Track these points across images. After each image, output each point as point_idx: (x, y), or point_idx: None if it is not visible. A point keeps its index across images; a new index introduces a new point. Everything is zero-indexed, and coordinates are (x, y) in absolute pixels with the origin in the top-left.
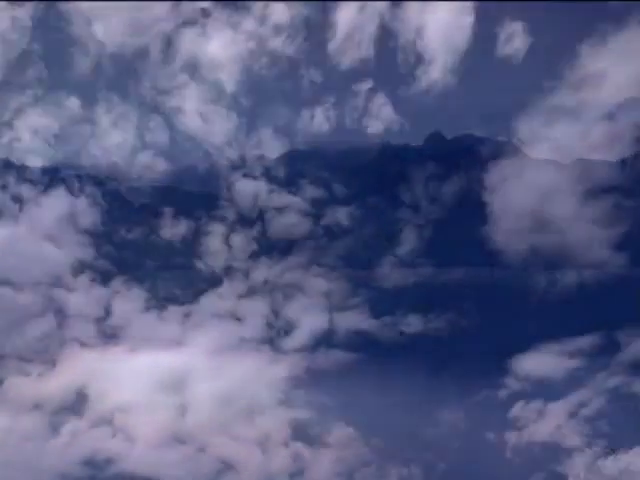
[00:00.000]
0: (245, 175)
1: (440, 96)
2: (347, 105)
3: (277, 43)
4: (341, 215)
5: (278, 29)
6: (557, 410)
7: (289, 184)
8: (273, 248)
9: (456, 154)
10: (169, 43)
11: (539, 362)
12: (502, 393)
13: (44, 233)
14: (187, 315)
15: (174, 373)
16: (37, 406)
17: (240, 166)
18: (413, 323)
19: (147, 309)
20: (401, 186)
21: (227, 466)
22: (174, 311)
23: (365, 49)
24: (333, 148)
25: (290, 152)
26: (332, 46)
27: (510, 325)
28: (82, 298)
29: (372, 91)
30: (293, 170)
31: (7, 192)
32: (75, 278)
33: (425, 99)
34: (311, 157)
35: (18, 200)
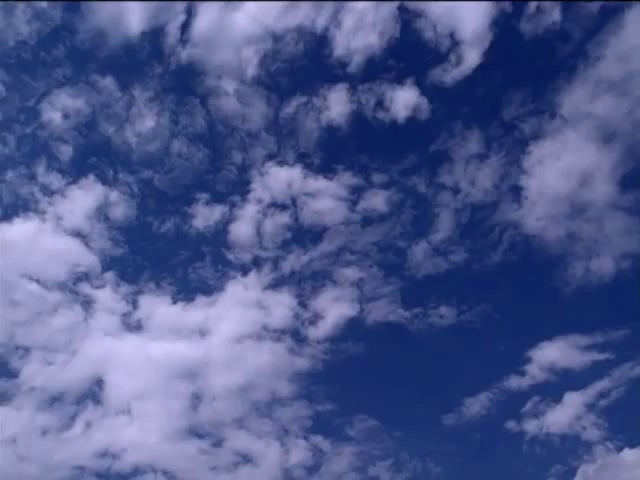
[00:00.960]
0: (280, 161)
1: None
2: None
3: None
4: (378, 200)
5: None
6: (579, 400)
7: (324, 169)
8: (305, 236)
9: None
10: None
11: (567, 353)
12: (526, 382)
13: (73, 226)
14: (213, 305)
15: (194, 364)
16: (56, 396)
17: (275, 151)
18: (444, 314)
19: (174, 300)
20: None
21: (245, 459)
22: (201, 301)
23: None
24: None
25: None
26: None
27: (541, 314)
28: (109, 291)
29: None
30: (329, 154)
31: (35, 182)
32: (104, 272)
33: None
34: (348, 140)
35: (46, 191)
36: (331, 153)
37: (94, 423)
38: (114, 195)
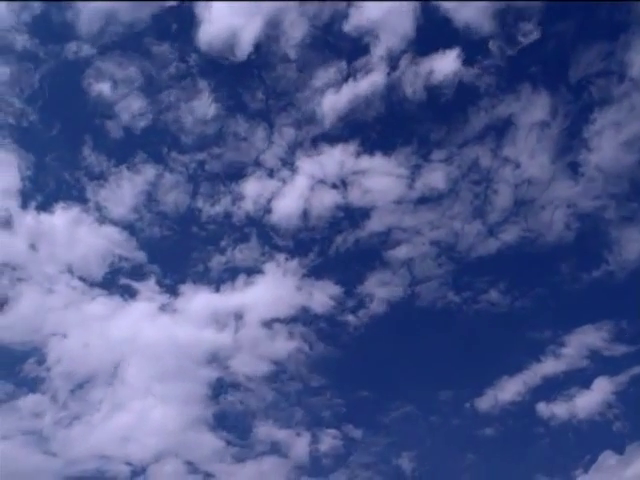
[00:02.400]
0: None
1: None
2: None
3: None
4: (436, 177)
5: None
6: (609, 387)
7: (381, 145)
8: (355, 215)
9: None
10: None
11: (607, 338)
12: (560, 367)
13: (120, 215)
14: (253, 289)
15: (223, 350)
16: (83, 382)
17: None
18: (494, 298)
19: (214, 285)
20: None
21: (272, 448)
22: (240, 286)
23: None
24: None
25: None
26: None
27: (587, 298)
28: (152, 282)
29: None
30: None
31: (81, 166)
32: (148, 262)
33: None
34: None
35: (93, 175)
36: (389, 127)
37: (118, 407)
38: (164, 178)
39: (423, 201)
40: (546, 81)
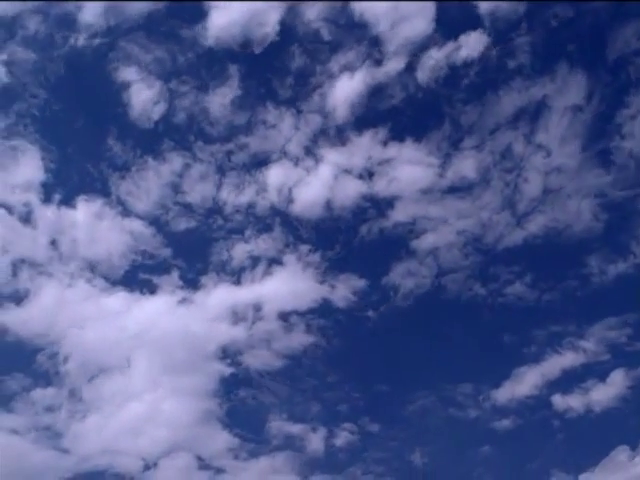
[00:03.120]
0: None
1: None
2: None
3: None
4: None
5: None
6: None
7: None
8: (381, 204)
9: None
10: None
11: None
12: (578, 360)
13: (144, 208)
14: (270, 278)
15: (238, 343)
16: (96, 373)
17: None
18: (520, 291)
19: (235, 279)
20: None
21: (286, 443)
22: (261, 279)
23: None
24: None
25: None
26: None
27: (610, 291)
28: (174, 275)
29: None
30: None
31: (105, 157)
32: (171, 256)
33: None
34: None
35: (117, 167)
36: (418, 112)
37: (130, 401)
38: (190, 169)
39: (452, 190)
40: (583, 60)
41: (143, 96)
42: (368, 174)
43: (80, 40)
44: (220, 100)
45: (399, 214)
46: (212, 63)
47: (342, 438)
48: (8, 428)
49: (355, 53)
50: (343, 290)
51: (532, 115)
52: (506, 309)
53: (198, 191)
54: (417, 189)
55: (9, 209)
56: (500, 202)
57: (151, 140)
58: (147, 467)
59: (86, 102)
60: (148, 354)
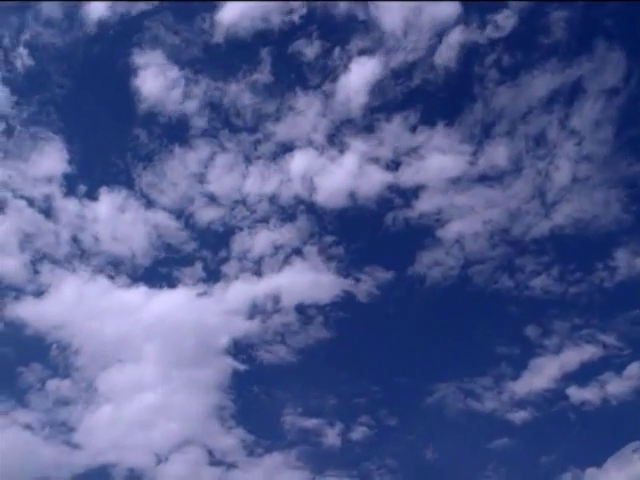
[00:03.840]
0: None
1: None
2: None
3: None
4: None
5: None
6: None
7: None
8: (405, 193)
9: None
10: None
11: None
12: (598, 353)
13: (168, 199)
14: (292, 270)
15: (255, 336)
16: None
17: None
18: (546, 284)
19: (256, 270)
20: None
21: (300, 438)
22: (283, 267)
23: None
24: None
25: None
26: None
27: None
28: (198, 269)
29: None
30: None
31: (129, 147)
32: (194, 251)
33: None
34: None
35: (142, 158)
36: (449, 96)
37: (142, 395)
38: (216, 159)
39: (482, 179)
40: (623, 37)
41: (168, 84)
42: (394, 163)
43: (104, 27)
44: (246, 88)
45: (425, 203)
46: (237, 50)
47: (358, 432)
48: (21, 423)
49: (381, 35)
50: (366, 282)
51: (567, 98)
52: (531, 301)
53: (223, 181)
54: (445, 178)
55: (30, 201)
56: (530, 191)
57: (176, 130)
58: (159, 461)
59: (110, 90)
60: (162, 348)
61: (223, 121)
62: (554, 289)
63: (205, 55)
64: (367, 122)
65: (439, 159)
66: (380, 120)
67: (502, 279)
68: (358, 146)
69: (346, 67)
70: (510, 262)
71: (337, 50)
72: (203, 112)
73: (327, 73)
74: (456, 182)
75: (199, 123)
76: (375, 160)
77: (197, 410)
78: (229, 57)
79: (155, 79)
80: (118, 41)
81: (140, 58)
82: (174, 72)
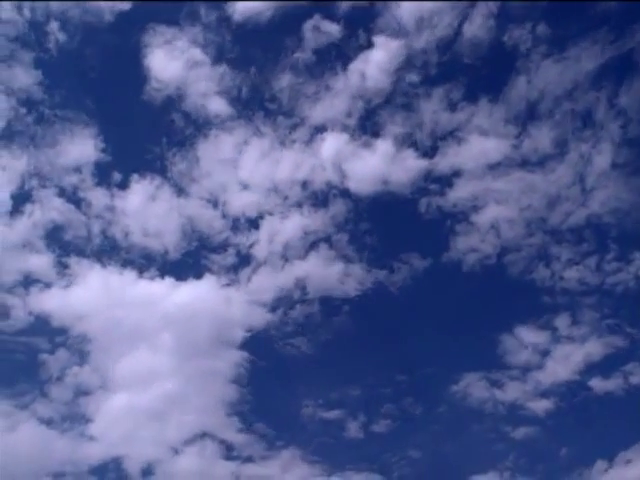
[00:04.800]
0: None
1: None
2: None
3: None
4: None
5: None
6: None
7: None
8: (440, 179)
9: None
10: None
11: None
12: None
13: (201, 187)
14: (320, 259)
15: (275, 327)
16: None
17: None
18: (581, 275)
19: (284, 254)
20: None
21: (321, 430)
22: (311, 255)
23: None
24: None
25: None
26: None
27: None
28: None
29: None
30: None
31: (160, 137)
32: (227, 239)
33: None
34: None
35: (174, 145)
36: (493, 72)
37: (157, 383)
38: (250, 145)
39: (523, 163)
40: None
41: (203, 69)
42: (431, 147)
43: (137, 10)
44: (281, 69)
45: (461, 189)
46: (269, 34)
47: (381, 424)
48: (40, 416)
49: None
50: (397, 270)
51: (616, 73)
52: (565, 291)
53: (257, 168)
54: (486, 163)
55: (60, 191)
56: (571, 177)
57: (210, 116)
58: (173, 454)
59: (141, 75)
60: (181, 339)
61: (257, 105)
62: (590, 279)
63: (238, 38)
64: (403, 101)
65: (480, 142)
66: (418, 98)
67: (538, 268)
68: (393, 129)
69: (374, 44)
70: (546, 250)
71: (365, 27)
72: (237, 96)
73: (356, 52)
74: (496, 167)
75: (233, 108)
76: (411, 144)
77: (213, 402)
78: (265, 39)
79: (189, 63)
80: (151, 25)
81: (174, 41)
82: (209, 56)
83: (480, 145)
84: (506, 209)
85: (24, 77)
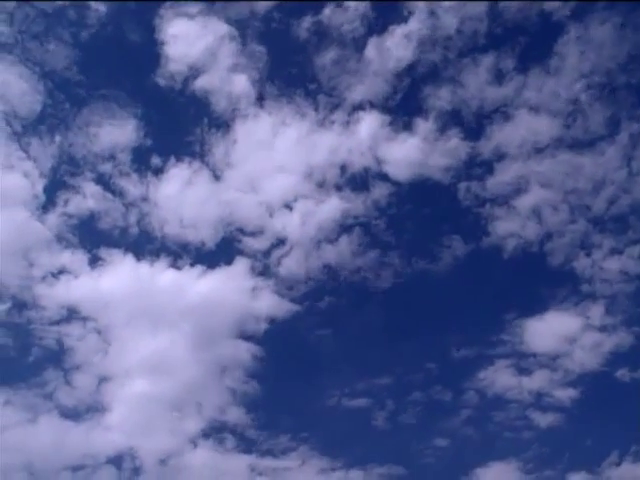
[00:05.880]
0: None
1: None
2: None
3: None
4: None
5: None
6: None
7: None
8: (483, 165)
9: None
10: None
11: None
12: None
13: (237, 173)
14: (352, 243)
15: (300, 318)
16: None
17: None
18: (624, 265)
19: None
20: None
21: (350, 417)
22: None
23: None
24: None
25: None
26: None
27: None
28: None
29: None
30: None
31: (200, 117)
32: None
33: None
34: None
35: (212, 128)
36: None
37: (173, 373)
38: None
39: (573, 145)
40: None
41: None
42: (476, 123)
43: None
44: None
45: (505, 172)
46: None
47: (409, 412)
48: (60, 404)
49: None
50: (435, 257)
51: None
52: (603, 281)
53: (294, 151)
54: (534, 141)
55: (96, 177)
56: (619, 160)
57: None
58: (189, 446)
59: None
60: (203, 329)
61: (298, 84)
62: (630, 269)
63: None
64: (448, 75)
65: (529, 120)
66: (463, 71)
67: (578, 256)
68: (436, 107)
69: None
70: (588, 238)
71: None
72: (276, 75)
73: (399, 21)
74: (544, 148)
75: (273, 87)
76: (455, 123)
77: (232, 394)
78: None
79: (225, 42)
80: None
81: (209, 20)
82: (246, 36)
83: (529, 123)
84: (550, 193)
85: (60, 57)
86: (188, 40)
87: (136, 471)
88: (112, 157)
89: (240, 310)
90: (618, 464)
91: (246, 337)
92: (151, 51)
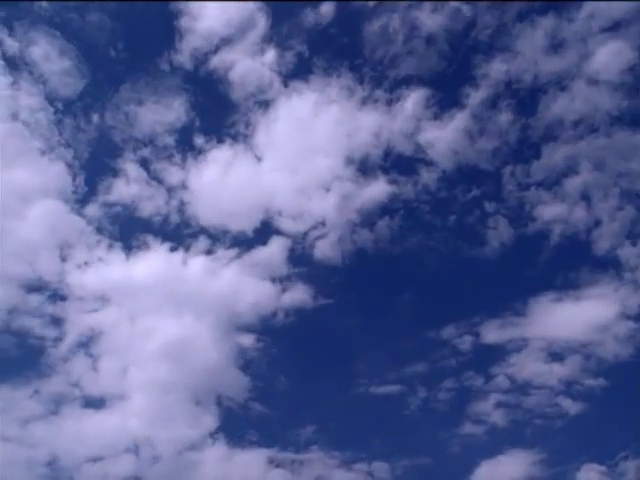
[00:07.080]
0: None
1: None
2: None
3: None
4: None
5: None
6: None
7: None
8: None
9: None
10: None
11: None
12: None
13: (277, 154)
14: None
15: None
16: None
17: None
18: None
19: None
20: None
21: (381, 403)
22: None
23: None
24: None
25: None
26: None
27: None
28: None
29: None
30: None
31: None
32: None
33: None
34: None
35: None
36: None
37: (184, 366)
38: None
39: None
40: None
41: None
42: (530, 94)
43: None
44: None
45: (554, 154)
46: None
47: (441, 397)
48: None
49: None
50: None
51: None
52: None
53: (333, 133)
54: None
55: (141, 161)
56: None
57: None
58: (210, 437)
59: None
60: (227, 317)
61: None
62: None
63: None
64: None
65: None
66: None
67: (624, 245)
68: (486, 72)
69: None
70: (635, 226)
71: None
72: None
73: None
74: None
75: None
76: (506, 96)
77: (253, 385)
78: None
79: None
80: None
81: None
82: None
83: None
84: (600, 176)
85: (102, 31)
86: (228, 18)
87: (155, 460)
88: (152, 140)
89: (267, 299)
90: None
91: (271, 327)
92: (192, 29)
